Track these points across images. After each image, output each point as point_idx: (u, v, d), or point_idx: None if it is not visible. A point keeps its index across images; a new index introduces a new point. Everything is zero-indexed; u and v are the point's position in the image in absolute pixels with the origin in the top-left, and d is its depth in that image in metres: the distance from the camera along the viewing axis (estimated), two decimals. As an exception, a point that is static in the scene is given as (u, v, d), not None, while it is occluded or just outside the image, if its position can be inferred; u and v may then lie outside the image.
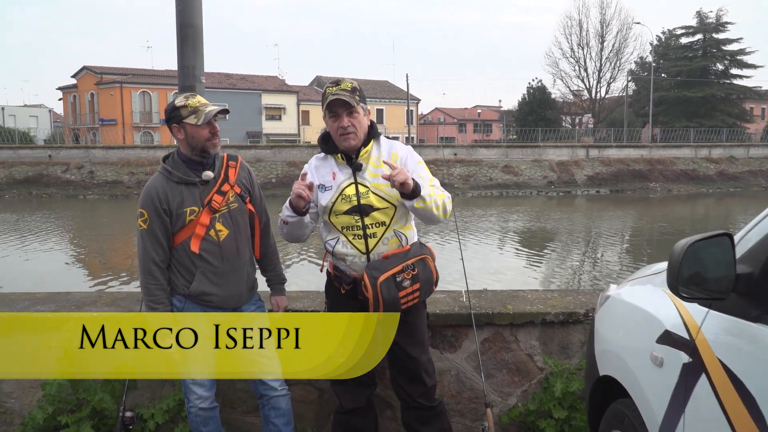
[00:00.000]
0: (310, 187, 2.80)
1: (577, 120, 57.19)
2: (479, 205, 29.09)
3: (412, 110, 61.27)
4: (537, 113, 53.20)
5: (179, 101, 2.85)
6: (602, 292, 2.91)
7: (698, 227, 22.34)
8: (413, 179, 2.71)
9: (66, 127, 57.01)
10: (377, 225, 2.87)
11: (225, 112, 2.91)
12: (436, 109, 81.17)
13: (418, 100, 66.07)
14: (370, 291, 2.76)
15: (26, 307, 3.53)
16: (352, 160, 2.91)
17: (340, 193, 2.88)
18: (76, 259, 16.40)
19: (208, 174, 2.89)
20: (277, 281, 3.22)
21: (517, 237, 19.85)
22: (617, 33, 54.84)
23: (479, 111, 77.96)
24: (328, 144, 2.99)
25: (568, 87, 57.37)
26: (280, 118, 56.50)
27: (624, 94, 54.59)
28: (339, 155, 2.93)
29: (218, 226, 2.88)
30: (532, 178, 37.18)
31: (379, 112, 60.71)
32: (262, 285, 3.24)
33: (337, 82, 2.87)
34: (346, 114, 2.84)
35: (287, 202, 2.86)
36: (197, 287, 2.86)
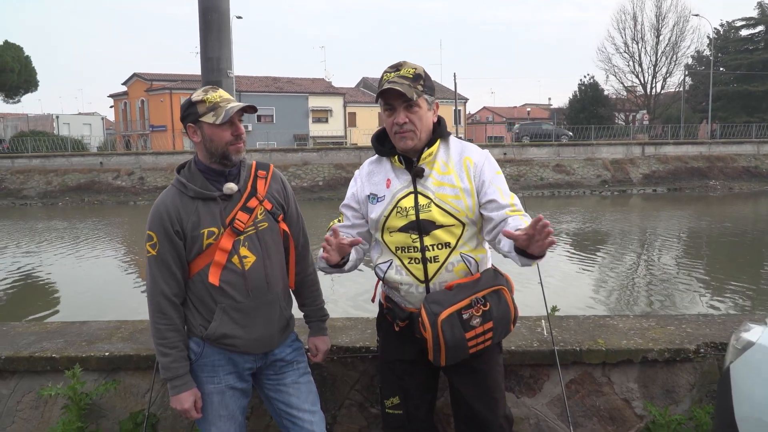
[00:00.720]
0: (347, 246, 2.24)
1: (631, 117, 55.31)
2: (531, 205, 27.83)
3: (459, 110, 60.34)
4: (589, 110, 51.65)
5: (196, 95, 2.32)
6: (736, 333, 2.24)
7: (761, 227, 20.98)
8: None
9: (117, 134, 58.15)
10: (440, 246, 2.30)
11: (252, 109, 2.37)
12: (484, 108, 79.94)
13: (466, 99, 65.05)
14: (428, 330, 2.20)
15: (31, 343, 3.07)
16: (413, 164, 2.34)
17: (395, 205, 2.33)
18: (125, 266, 16.29)
19: (231, 186, 2.34)
20: (317, 318, 2.65)
21: (571, 239, 18.90)
22: (674, 26, 52.76)
23: (528, 109, 76.37)
24: (383, 144, 2.44)
25: (622, 83, 55.50)
26: (326, 121, 56.35)
27: (681, 89, 52.46)
28: (396, 158, 2.37)
29: (243, 251, 2.34)
30: (584, 177, 35.93)
31: (425, 112, 59.72)
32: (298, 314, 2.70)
33: (397, 67, 2.31)
34: (403, 107, 2.27)
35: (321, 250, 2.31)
36: (217, 328, 2.32)
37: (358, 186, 2.48)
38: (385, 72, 2.32)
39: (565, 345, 2.85)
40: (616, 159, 37.21)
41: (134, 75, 55.79)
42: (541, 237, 1.96)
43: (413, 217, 2.30)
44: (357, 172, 2.54)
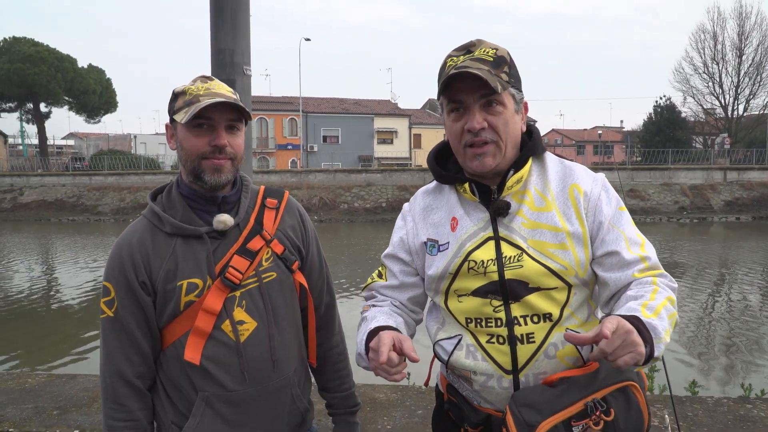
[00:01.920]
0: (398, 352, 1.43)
1: (710, 140, 52.55)
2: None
3: (527, 132, 58.96)
4: (665, 133, 49.30)
5: (182, 86, 1.65)
6: None
7: None
8: (643, 323, 1.35)
9: (189, 153, 59.64)
10: (536, 319, 1.53)
11: (240, 112, 1.62)
12: (553, 130, 78.05)
13: (535, 121, 63.57)
14: None
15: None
16: (492, 195, 1.58)
17: (466, 258, 1.57)
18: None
19: (224, 220, 1.63)
20: (344, 409, 1.90)
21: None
22: (758, 45, 49.82)
23: (600, 132, 73.98)
24: (446, 165, 1.69)
25: (701, 105, 52.76)
26: (391, 142, 56.08)
27: (766, 111, 49.45)
28: (466, 185, 1.61)
29: (239, 313, 1.62)
30: (661, 203, 34.07)
31: (493, 134, 59.06)
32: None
33: (468, 48, 1.56)
34: (480, 106, 1.51)
35: (362, 339, 1.56)
36: (197, 429, 1.60)
37: (409, 228, 1.72)
38: (450, 56, 1.56)
39: (698, 453, 2.01)
40: (695, 184, 35.25)
41: (206, 96, 57.10)
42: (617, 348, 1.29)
43: (495, 276, 1.53)
44: (406, 206, 1.77)
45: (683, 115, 52.43)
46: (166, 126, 1.69)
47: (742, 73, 50.29)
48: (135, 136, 66.90)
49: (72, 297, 13.24)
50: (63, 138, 76.50)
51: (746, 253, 21.35)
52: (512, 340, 1.53)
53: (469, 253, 1.56)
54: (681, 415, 2.31)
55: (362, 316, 1.71)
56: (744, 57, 50.11)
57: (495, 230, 1.56)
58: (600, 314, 1.64)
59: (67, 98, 51.62)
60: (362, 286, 1.79)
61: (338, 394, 1.89)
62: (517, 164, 1.58)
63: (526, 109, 1.61)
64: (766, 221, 32.31)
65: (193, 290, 1.59)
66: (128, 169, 40.20)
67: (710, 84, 51.59)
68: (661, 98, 52.30)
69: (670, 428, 2.18)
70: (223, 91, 1.63)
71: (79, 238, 26.02)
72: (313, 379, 1.89)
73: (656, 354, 1.35)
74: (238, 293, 1.62)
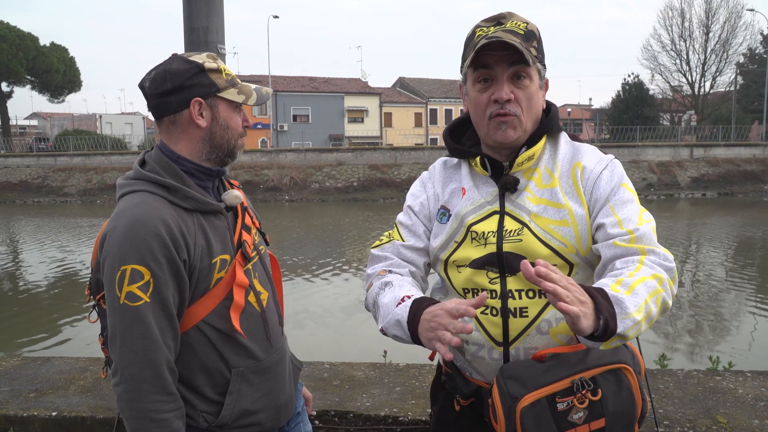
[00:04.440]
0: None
1: (677, 117, 53.39)
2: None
3: (498, 110, 59.13)
4: (633, 111, 49.98)
5: (202, 59, 1.59)
6: None
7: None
8: (608, 295, 1.32)
9: (156, 133, 58.60)
10: (531, 294, 1.54)
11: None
12: (523, 108, 78.48)
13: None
14: (500, 421, 1.45)
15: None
16: (504, 171, 1.60)
17: (469, 229, 1.59)
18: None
19: (237, 195, 1.67)
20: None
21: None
22: (725, 22, 50.50)
23: (569, 110, 74.65)
24: (461, 140, 1.71)
25: (668, 82, 53.46)
26: (362, 121, 55.88)
27: (732, 88, 50.31)
28: (478, 160, 1.62)
29: (256, 285, 1.67)
30: (629, 180, 34.64)
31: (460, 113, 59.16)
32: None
33: (498, 20, 1.56)
34: (509, 76, 1.52)
35: (403, 311, 1.48)
36: (235, 406, 1.59)
37: (430, 194, 1.73)
38: (479, 26, 1.56)
39: (671, 425, 2.06)
40: (662, 161, 35.81)
41: (173, 75, 56.05)
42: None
43: (493, 248, 1.55)
44: (425, 174, 1.79)
45: (651, 92, 53.21)
46: (195, 102, 1.57)
47: (709, 50, 51.00)
48: (100, 116, 65.42)
49: (39, 279, 13.01)
50: (26, 118, 74.57)
51: (711, 228, 21.82)
52: (505, 313, 1.54)
53: (471, 224, 1.59)
54: (653, 387, 2.37)
55: (382, 280, 1.64)
56: (711, 34, 50.80)
57: (502, 205, 1.58)
58: None
59: (29, 77, 50.20)
60: (374, 245, 1.76)
61: None
62: (530, 142, 1.58)
63: (547, 86, 1.62)
64: (731, 197, 33.07)
65: (224, 267, 1.59)
66: (94, 150, 39.38)
67: (678, 61, 52.32)
68: (629, 76, 53.10)
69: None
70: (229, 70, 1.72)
71: (46, 219, 25.52)
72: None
73: (620, 330, 1.29)
74: (250, 266, 1.66)
